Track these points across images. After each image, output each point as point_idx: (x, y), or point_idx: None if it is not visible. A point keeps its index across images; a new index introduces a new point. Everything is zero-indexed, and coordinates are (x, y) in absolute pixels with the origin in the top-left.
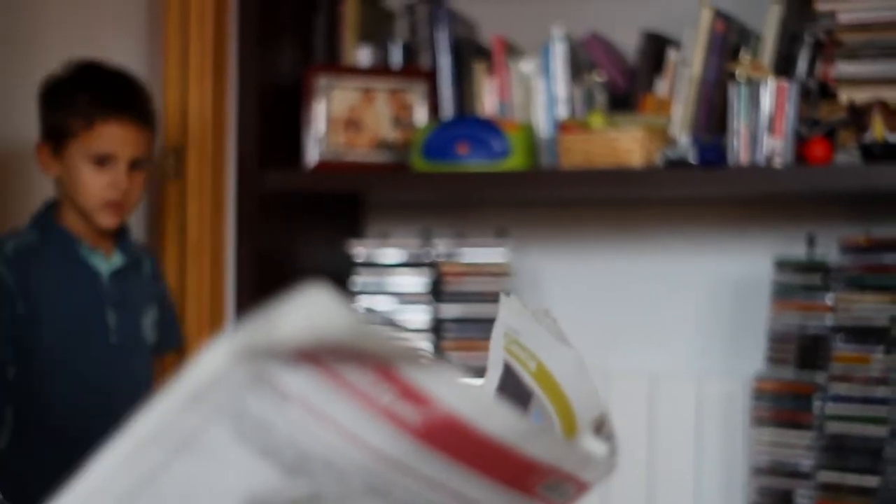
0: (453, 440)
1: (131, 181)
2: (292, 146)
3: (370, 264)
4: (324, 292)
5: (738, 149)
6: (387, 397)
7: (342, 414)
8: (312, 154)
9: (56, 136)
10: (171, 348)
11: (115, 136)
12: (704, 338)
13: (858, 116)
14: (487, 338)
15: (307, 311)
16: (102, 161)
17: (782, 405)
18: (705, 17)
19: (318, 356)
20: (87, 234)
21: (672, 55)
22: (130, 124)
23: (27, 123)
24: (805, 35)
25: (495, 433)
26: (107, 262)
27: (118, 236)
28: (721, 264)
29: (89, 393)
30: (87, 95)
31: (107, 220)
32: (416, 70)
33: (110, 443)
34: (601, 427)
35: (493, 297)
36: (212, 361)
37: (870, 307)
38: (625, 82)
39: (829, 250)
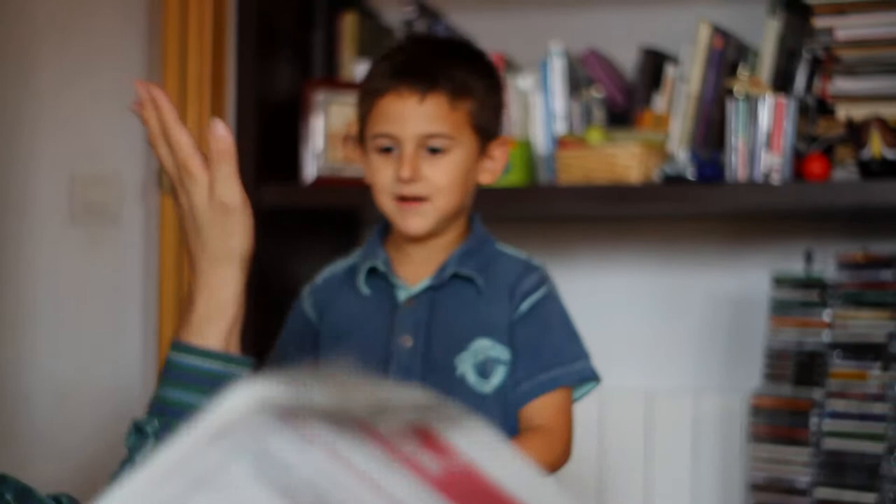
0: (471, 492)
1: (428, 166)
2: (290, 161)
3: None
4: (349, 369)
5: (736, 165)
6: (409, 446)
7: (364, 460)
8: (310, 169)
9: (359, 128)
10: None
11: (392, 112)
12: (702, 354)
13: (856, 133)
14: None
15: (335, 384)
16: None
17: (779, 421)
18: (703, 33)
19: (352, 417)
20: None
21: (670, 71)
22: (411, 94)
23: (19, 129)
24: (803, 51)
25: (512, 488)
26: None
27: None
28: (719, 280)
29: None
30: (380, 68)
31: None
32: None
33: (130, 475)
34: None
35: None
36: (238, 400)
37: (867, 323)
38: (623, 98)
39: (826, 266)
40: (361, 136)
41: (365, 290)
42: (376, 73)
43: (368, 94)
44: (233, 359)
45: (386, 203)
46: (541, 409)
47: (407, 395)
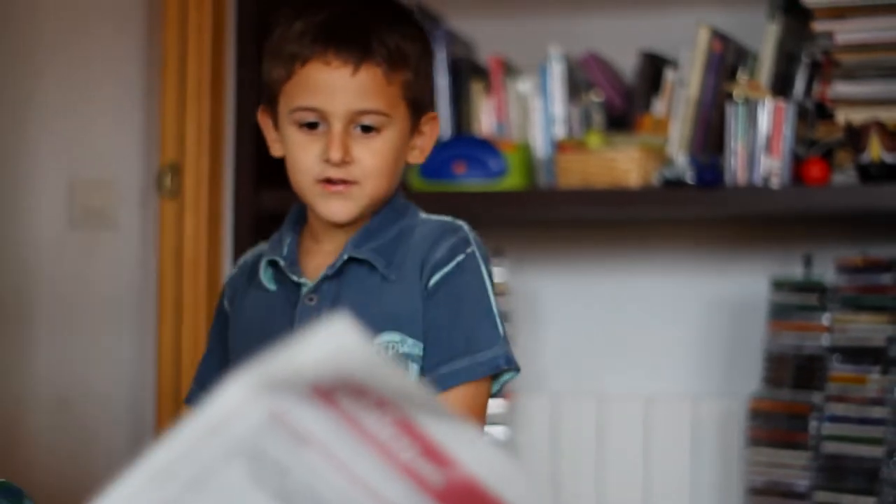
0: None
1: (360, 147)
2: None
3: None
4: (346, 328)
5: (736, 169)
6: (408, 454)
7: (361, 465)
8: None
9: (268, 96)
10: None
11: (319, 83)
12: (701, 358)
13: (855, 137)
14: None
15: (327, 343)
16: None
17: (779, 425)
18: (703, 37)
19: (338, 397)
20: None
21: (669, 75)
22: (343, 64)
23: (19, 134)
24: (802, 55)
25: (514, 502)
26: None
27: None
28: (718, 284)
29: None
30: (298, 29)
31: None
32: None
33: (125, 473)
34: None
35: None
36: (230, 395)
37: (866, 327)
38: (622, 102)
39: (825, 270)
40: (273, 106)
41: (270, 285)
42: (294, 34)
43: (287, 60)
44: None
45: (307, 185)
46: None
47: (391, 377)
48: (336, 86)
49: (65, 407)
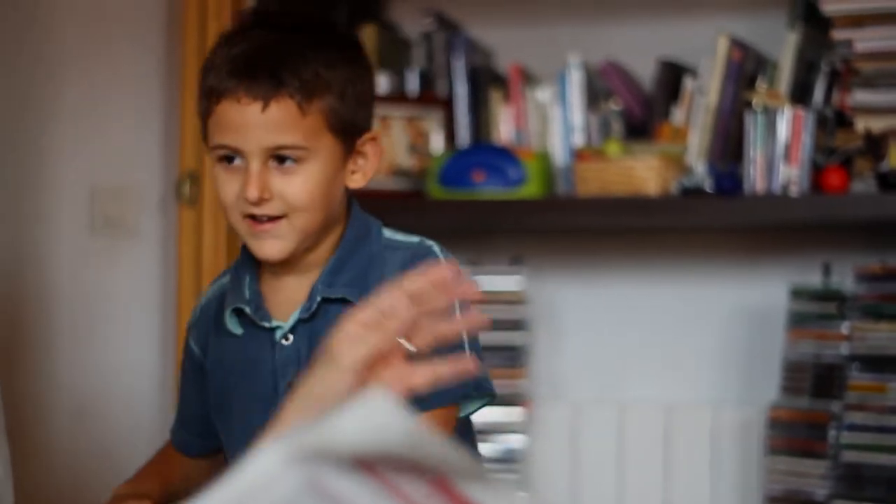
0: None
1: (280, 181)
2: None
3: None
4: (384, 399)
5: (754, 177)
6: None
7: None
8: None
9: (202, 129)
10: None
11: (231, 121)
12: (720, 366)
13: (875, 145)
14: (503, 366)
15: (365, 417)
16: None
17: (797, 434)
18: (722, 45)
19: (373, 464)
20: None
21: (688, 83)
22: (253, 101)
23: (41, 142)
24: (822, 63)
25: None
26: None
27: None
28: (736, 293)
29: None
30: (218, 61)
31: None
32: (433, 98)
33: None
34: None
35: (508, 325)
36: (264, 463)
37: (885, 336)
38: (641, 110)
39: (844, 279)
40: (206, 139)
41: (236, 330)
42: (215, 66)
43: (207, 94)
44: None
45: (236, 222)
46: None
47: (431, 447)
48: (248, 123)
49: (83, 414)
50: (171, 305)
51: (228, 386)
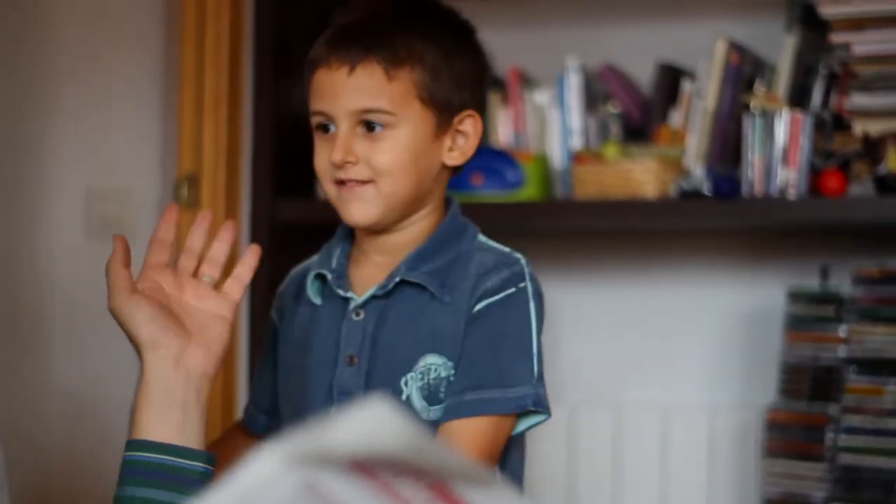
0: None
1: (367, 146)
2: (306, 176)
3: None
4: (384, 406)
5: (753, 180)
6: None
7: None
8: None
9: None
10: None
11: (323, 87)
12: (717, 369)
13: (873, 148)
14: None
15: (365, 423)
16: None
17: (795, 437)
18: (720, 48)
19: (373, 469)
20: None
21: (687, 86)
22: (341, 65)
23: (37, 144)
24: (820, 67)
25: None
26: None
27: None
28: (734, 296)
29: None
30: (321, 36)
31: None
32: None
33: None
34: None
35: None
36: (261, 466)
37: (883, 339)
38: (639, 113)
39: (842, 282)
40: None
41: (316, 299)
42: (317, 42)
43: (306, 68)
44: (188, 452)
45: (328, 190)
46: (456, 435)
47: (431, 451)
48: (336, 87)
49: (81, 416)
50: None
51: (296, 355)
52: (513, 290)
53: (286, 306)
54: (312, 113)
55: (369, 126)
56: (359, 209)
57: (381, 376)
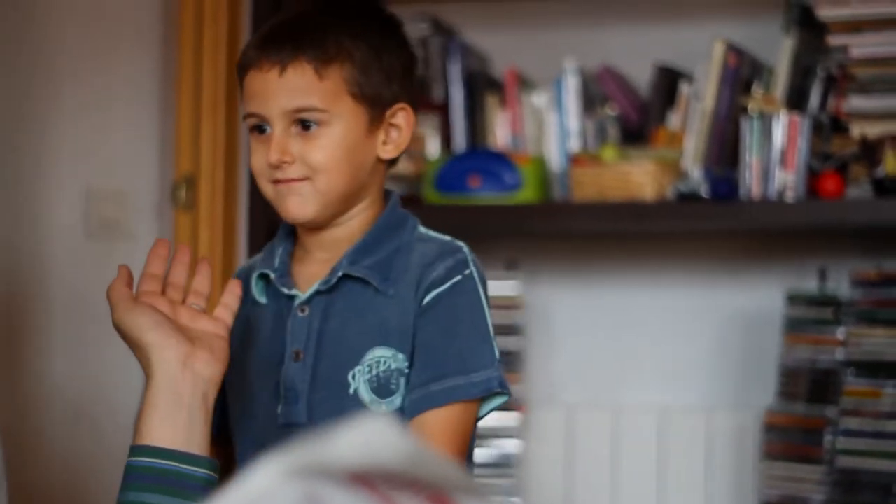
0: None
1: (302, 145)
2: None
3: None
4: (383, 421)
5: (750, 182)
6: None
7: None
8: None
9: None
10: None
11: (255, 89)
12: (715, 371)
13: (870, 151)
14: None
15: (364, 435)
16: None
17: (793, 439)
18: (718, 50)
19: (372, 481)
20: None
21: (684, 89)
22: (272, 66)
23: (36, 144)
24: (818, 69)
25: None
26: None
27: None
28: (732, 298)
29: None
30: (250, 40)
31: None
32: (429, 103)
33: None
34: None
35: (503, 330)
36: (262, 477)
37: (881, 341)
38: (637, 115)
39: (840, 284)
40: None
41: (261, 298)
42: (247, 45)
43: (238, 71)
44: (192, 459)
45: (265, 188)
46: (429, 426)
47: (430, 464)
48: (268, 89)
49: (80, 417)
50: None
51: (243, 354)
52: (459, 277)
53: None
54: (246, 115)
55: (304, 125)
56: (295, 205)
57: (327, 371)
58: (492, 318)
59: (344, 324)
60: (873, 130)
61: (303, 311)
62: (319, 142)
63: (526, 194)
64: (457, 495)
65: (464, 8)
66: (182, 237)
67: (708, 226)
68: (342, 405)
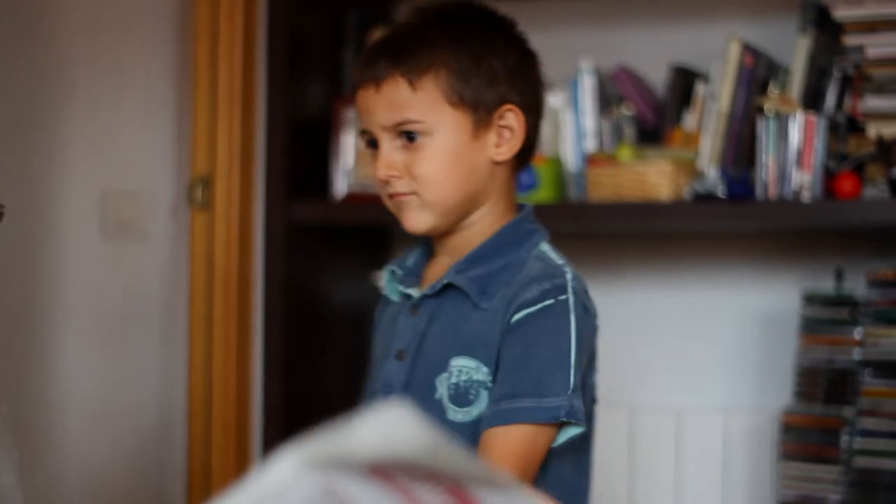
0: None
1: (408, 158)
2: (320, 177)
3: None
4: (403, 409)
5: (767, 183)
6: None
7: None
8: (340, 185)
9: None
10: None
11: (362, 107)
12: (732, 372)
13: (887, 151)
14: None
15: (383, 426)
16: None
17: (810, 439)
18: (734, 50)
19: (391, 472)
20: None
21: (700, 89)
22: (370, 84)
23: (52, 146)
24: (834, 69)
25: None
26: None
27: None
28: (749, 298)
29: None
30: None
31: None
32: None
33: None
34: None
35: None
36: (280, 469)
37: None
38: (653, 116)
39: (857, 284)
40: None
41: (392, 295)
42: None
43: (350, 92)
44: None
45: (385, 202)
46: (494, 442)
47: (451, 456)
48: (370, 105)
49: (95, 418)
50: (183, 309)
51: (377, 350)
52: (551, 301)
53: (381, 301)
54: (359, 133)
55: (409, 137)
56: (410, 219)
57: (420, 374)
58: (584, 348)
59: (443, 330)
60: (890, 130)
61: (413, 312)
62: (423, 153)
63: (542, 194)
64: (475, 487)
65: None
66: (198, 238)
67: (724, 226)
68: (428, 408)
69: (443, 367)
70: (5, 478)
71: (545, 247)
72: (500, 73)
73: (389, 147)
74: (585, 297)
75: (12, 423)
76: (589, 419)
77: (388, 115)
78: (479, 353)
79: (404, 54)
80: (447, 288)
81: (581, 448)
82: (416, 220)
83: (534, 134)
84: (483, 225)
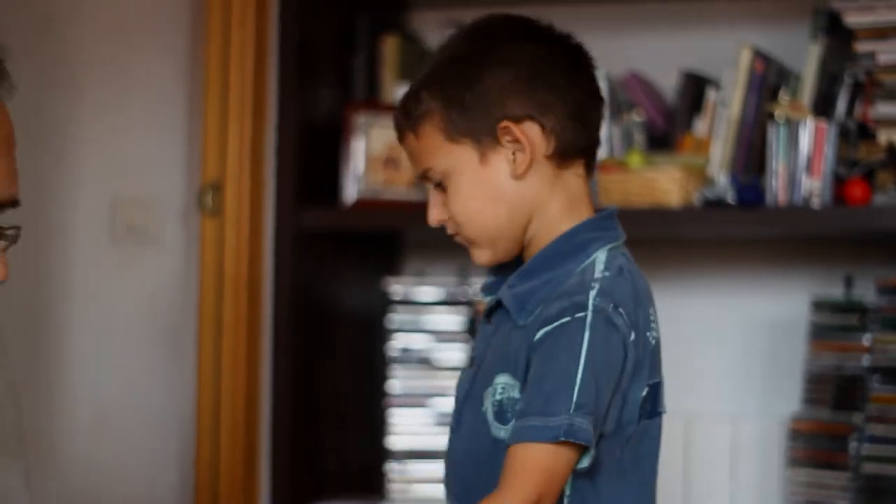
0: None
1: (446, 201)
2: (330, 183)
3: (407, 302)
4: None
5: (777, 189)
6: None
7: None
8: (351, 191)
9: None
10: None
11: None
12: (741, 378)
13: None
14: None
15: None
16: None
17: (819, 446)
18: (745, 57)
19: None
20: None
21: (711, 95)
22: (402, 145)
23: (63, 151)
24: (844, 76)
25: None
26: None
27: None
28: (758, 304)
29: None
30: None
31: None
32: None
33: None
34: None
35: None
36: None
37: None
38: (663, 122)
39: (866, 291)
40: None
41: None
42: None
43: None
44: None
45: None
46: (511, 459)
47: None
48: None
49: (103, 424)
50: (192, 315)
51: None
52: (567, 319)
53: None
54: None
55: (438, 183)
56: (473, 256)
57: (478, 385)
58: (603, 366)
59: (498, 344)
60: None
61: (487, 320)
62: (450, 197)
63: None
64: None
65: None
66: (208, 243)
67: (734, 232)
68: (479, 422)
69: (489, 381)
70: (13, 482)
71: (602, 256)
72: (494, 91)
73: (433, 195)
74: (614, 312)
75: (20, 428)
76: (621, 436)
77: (415, 169)
78: (516, 371)
79: (406, 108)
80: (499, 302)
81: (627, 470)
82: (477, 256)
83: (564, 131)
84: (539, 238)
